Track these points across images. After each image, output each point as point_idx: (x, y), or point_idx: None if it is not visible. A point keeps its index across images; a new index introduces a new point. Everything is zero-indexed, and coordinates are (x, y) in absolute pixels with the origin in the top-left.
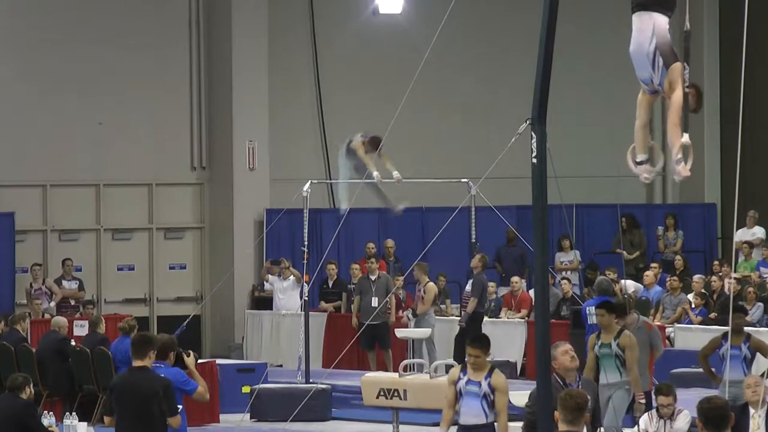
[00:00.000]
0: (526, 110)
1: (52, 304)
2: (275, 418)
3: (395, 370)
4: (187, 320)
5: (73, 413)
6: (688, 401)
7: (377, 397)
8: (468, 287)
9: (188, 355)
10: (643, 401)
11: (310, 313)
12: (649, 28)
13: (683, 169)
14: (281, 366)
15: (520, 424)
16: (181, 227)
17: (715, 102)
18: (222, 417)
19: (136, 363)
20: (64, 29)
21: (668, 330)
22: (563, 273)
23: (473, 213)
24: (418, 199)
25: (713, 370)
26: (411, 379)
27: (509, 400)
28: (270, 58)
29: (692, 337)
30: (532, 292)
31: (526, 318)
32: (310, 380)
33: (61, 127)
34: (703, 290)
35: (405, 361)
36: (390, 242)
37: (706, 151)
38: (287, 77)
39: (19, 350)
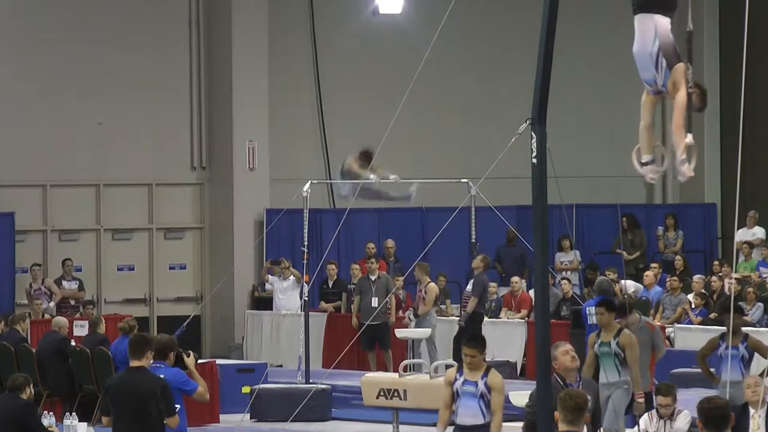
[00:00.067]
0: (526, 110)
1: (52, 304)
2: (275, 419)
3: (395, 370)
4: (187, 320)
5: (73, 413)
6: (688, 401)
7: (377, 398)
8: (469, 287)
9: (188, 356)
10: (641, 400)
11: (310, 313)
12: (651, 30)
13: (688, 170)
14: (281, 366)
15: (520, 424)
16: (181, 227)
17: (715, 102)
18: (222, 417)
19: (134, 363)
20: (64, 29)
21: (668, 330)
22: (563, 273)
23: (473, 213)
24: (418, 199)
25: (712, 371)
26: (411, 379)
27: (510, 401)
28: (270, 58)
29: (692, 337)
30: (532, 292)
31: (526, 318)
32: (310, 380)
33: (61, 127)
34: (703, 290)
35: (405, 362)
36: (390, 242)
37: (706, 151)
38: (287, 77)
39: (19, 350)
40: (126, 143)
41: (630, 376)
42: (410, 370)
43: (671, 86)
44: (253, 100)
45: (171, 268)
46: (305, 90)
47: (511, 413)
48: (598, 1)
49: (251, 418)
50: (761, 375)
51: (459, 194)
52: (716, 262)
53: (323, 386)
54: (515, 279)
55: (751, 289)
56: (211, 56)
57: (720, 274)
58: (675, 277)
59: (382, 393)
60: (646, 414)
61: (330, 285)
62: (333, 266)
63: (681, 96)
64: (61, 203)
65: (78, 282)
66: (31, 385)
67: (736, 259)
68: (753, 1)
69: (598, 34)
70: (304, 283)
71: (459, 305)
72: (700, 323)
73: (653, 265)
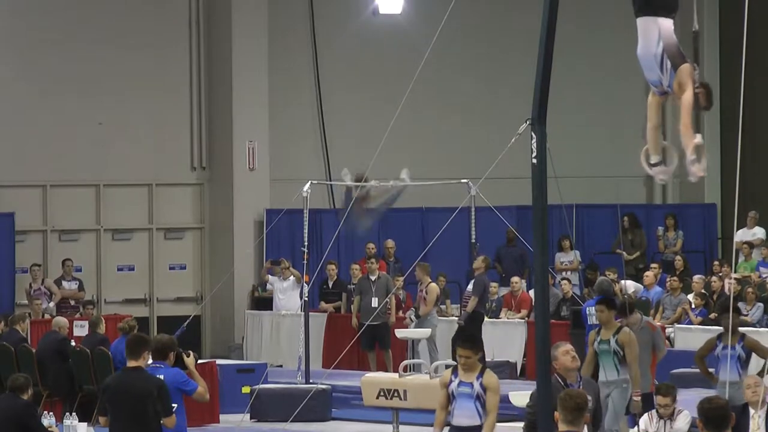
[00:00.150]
0: (526, 110)
1: (52, 304)
2: (275, 419)
3: (395, 370)
4: (188, 321)
5: (73, 413)
6: (688, 401)
7: (377, 398)
8: (469, 287)
9: (188, 356)
10: (638, 398)
11: (310, 313)
12: (655, 32)
13: (698, 170)
14: (281, 366)
15: (520, 424)
16: (181, 227)
17: (715, 102)
18: (222, 417)
19: (131, 363)
20: (64, 29)
21: (668, 330)
22: (563, 273)
23: (473, 213)
24: (419, 199)
25: (711, 371)
26: (411, 379)
27: (510, 401)
28: (270, 58)
29: (692, 337)
30: (532, 293)
31: (526, 318)
32: (310, 380)
33: (61, 127)
34: (703, 290)
35: (405, 362)
36: (390, 242)
37: (706, 151)
38: (287, 77)
39: (19, 350)
40: (126, 143)
41: (629, 374)
42: (410, 371)
43: (677, 87)
44: (253, 100)
45: (171, 269)
46: (305, 90)
47: (511, 413)
48: (598, 1)
49: (251, 418)
50: (760, 375)
51: (459, 194)
52: (716, 263)
53: (323, 386)
54: (515, 279)
55: (750, 290)
56: (211, 56)
57: (720, 274)
58: (675, 278)
59: (382, 393)
60: (646, 414)
61: (330, 285)
62: (333, 266)
63: (687, 97)
64: (61, 203)
65: (78, 282)
66: (32, 386)
67: (736, 259)
68: (753, 1)
69: (598, 34)
70: (304, 284)
71: (459, 305)
72: (700, 323)
73: (653, 265)
